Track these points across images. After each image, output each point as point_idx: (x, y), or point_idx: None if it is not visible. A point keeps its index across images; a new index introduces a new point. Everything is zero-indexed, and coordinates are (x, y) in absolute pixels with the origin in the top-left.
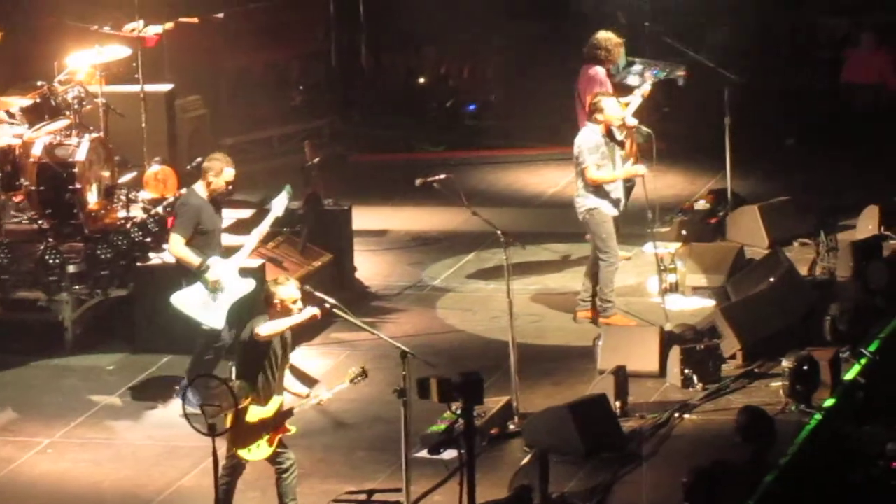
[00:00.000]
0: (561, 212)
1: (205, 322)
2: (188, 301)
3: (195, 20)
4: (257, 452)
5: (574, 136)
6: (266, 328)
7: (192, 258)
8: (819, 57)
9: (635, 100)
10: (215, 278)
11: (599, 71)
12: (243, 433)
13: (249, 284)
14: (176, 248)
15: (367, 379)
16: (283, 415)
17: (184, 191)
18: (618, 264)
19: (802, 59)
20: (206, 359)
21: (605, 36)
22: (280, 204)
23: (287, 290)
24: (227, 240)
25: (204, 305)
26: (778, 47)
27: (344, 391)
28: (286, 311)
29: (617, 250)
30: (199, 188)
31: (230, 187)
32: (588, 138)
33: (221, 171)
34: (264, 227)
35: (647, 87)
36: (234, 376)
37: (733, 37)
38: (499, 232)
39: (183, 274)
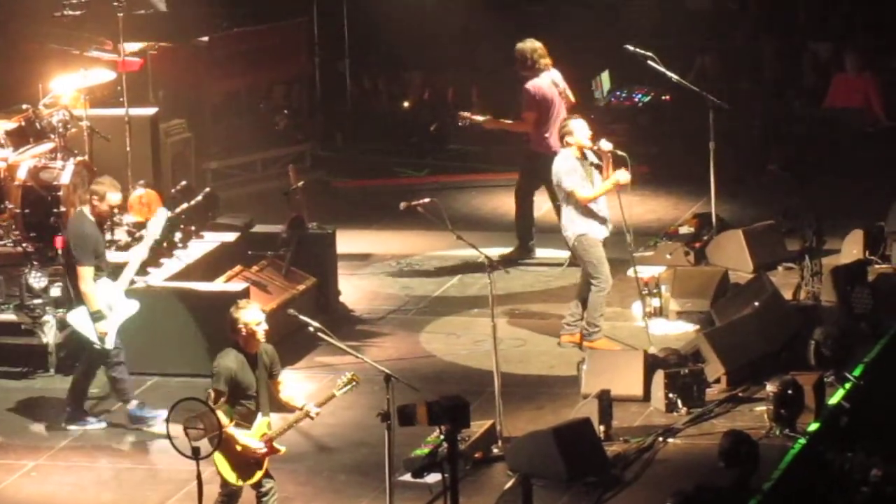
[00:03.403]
0: (545, 236)
1: (97, 343)
2: (83, 321)
3: (169, 45)
4: (246, 478)
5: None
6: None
7: (95, 302)
8: (803, 82)
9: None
10: (104, 329)
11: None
12: (232, 459)
13: (134, 306)
14: (87, 286)
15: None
16: (269, 437)
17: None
18: (608, 289)
19: (787, 84)
20: (94, 375)
21: (532, 45)
22: (156, 225)
23: (250, 313)
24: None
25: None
26: (762, 72)
27: (332, 406)
28: (251, 335)
29: (608, 275)
30: (88, 212)
31: (116, 211)
32: (563, 163)
33: (105, 196)
34: (144, 248)
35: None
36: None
37: (719, 61)
38: (483, 256)
39: (75, 294)
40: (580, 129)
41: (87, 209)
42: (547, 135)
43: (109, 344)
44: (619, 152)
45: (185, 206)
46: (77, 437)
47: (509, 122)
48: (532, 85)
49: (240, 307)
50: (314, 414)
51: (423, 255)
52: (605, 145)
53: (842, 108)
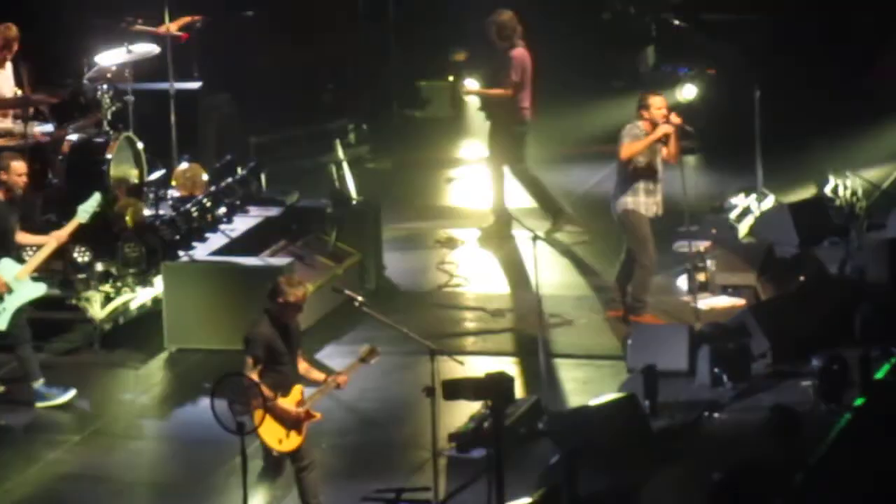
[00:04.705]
0: (594, 209)
1: None
2: None
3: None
4: (287, 443)
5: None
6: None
7: None
8: (849, 54)
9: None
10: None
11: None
12: (273, 425)
13: (39, 288)
14: None
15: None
16: (303, 402)
17: None
18: (652, 267)
19: (833, 56)
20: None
21: (510, 16)
22: (86, 210)
23: (298, 290)
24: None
25: None
26: (809, 44)
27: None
28: (290, 307)
29: (653, 252)
30: None
31: (24, 179)
32: (630, 132)
33: (10, 167)
34: (63, 232)
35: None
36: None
37: (764, 34)
38: (530, 233)
39: None
40: (658, 106)
41: None
42: (524, 104)
43: (2, 325)
44: (688, 127)
45: (229, 180)
46: (121, 411)
47: (493, 90)
48: (517, 53)
49: (292, 283)
50: (342, 380)
51: (468, 231)
52: (675, 119)
53: (888, 79)
